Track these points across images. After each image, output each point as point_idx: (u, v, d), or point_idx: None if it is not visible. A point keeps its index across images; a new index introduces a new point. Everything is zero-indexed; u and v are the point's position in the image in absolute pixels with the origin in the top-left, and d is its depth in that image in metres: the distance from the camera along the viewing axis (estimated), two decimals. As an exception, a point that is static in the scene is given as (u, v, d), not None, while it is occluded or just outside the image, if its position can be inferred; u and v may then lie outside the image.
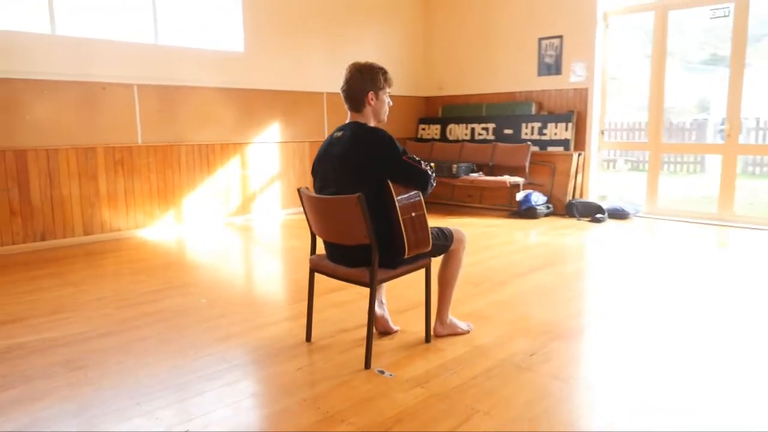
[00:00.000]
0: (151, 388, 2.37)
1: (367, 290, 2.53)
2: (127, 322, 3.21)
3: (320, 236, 2.72)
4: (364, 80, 2.61)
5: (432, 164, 2.69)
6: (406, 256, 2.52)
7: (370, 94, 2.61)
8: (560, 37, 6.99)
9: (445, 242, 2.81)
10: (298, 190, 2.72)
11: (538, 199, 6.56)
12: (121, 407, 2.21)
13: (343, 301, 3.50)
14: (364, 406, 2.21)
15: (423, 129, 8.42)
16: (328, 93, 7.29)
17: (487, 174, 7.16)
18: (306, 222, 2.76)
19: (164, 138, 5.89)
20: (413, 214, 2.46)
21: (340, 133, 2.62)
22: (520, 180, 6.77)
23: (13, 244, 5.01)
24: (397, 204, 2.42)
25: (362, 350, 2.70)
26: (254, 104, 6.57)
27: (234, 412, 2.18)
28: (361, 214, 2.43)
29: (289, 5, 6.76)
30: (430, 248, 2.57)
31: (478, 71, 7.86)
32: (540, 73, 7.23)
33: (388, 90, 2.69)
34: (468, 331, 2.95)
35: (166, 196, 5.96)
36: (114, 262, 4.69)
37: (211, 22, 6.27)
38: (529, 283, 3.92)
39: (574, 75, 6.92)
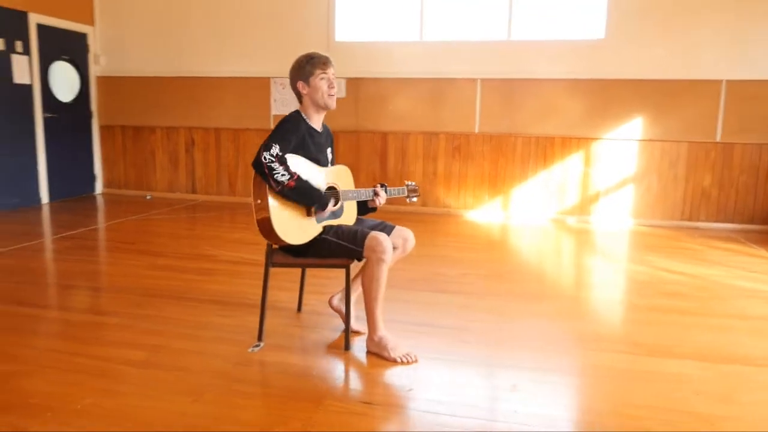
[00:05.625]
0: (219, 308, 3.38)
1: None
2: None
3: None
4: (292, 74, 2.65)
5: (278, 165, 2.39)
6: (275, 246, 2.52)
7: (300, 84, 2.63)
8: None
9: (352, 246, 2.53)
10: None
11: None
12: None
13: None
14: (200, 360, 2.57)
15: None
16: (728, 81, 5.64)
17: None
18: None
19: (501, 128, 6.21)
20: (258, 201, 2.44)
21: None
22: None
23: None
24: (252, 189, 2.48)
25: (308, 330, 2.84)
26: (610, 96, 5.90)
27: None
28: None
29: (678, -25, 5.59)
30: (281, 243, 2.45)
31: None
32: None
33: (320, 74, 2.59)
34: (396, 361, 2.51)
35: (496, 183, 6.31)
36: (425, 233, 5.57)
37: (569, 10, 5.99)
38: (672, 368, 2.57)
39: None
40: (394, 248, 2.81)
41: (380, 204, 2.82)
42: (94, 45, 7.01)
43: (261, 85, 6.68)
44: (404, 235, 2.84)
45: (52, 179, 6.55)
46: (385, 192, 2.83)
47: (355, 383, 2.35)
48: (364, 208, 2.86)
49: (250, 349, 2.63)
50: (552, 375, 2.45)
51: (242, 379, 2.35)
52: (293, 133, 2.55)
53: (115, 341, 2.72)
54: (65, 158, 6.74)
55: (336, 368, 2.49)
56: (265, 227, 2.45)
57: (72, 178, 6.89)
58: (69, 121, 6.79)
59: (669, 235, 5.51)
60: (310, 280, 3.31)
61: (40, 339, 2.72)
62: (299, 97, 2.67)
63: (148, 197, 7.05)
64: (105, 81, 7.14)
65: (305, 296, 3.22)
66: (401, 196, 2.99)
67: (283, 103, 6.66)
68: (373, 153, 6.56)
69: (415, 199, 3.09)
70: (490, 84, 6.18)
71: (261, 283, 3.39)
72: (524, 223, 6.01)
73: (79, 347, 2.63)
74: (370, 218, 2.90)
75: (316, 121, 2.70)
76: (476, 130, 6.28)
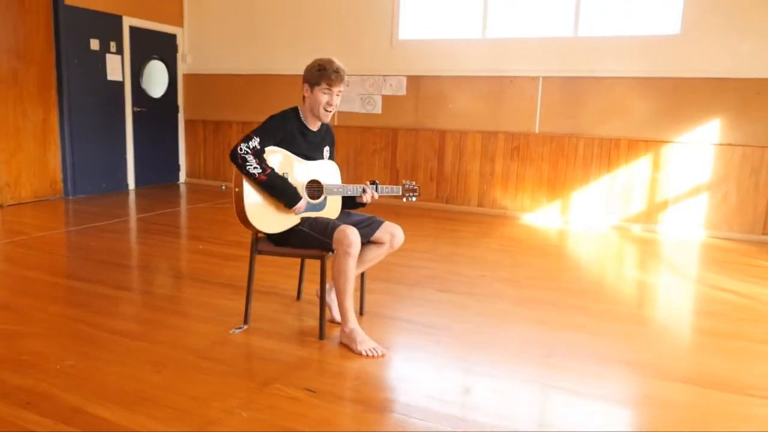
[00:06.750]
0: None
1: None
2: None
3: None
4: (304, 73, 2.73)
5: (251, 158, 2.52)
6: (260, 235, 2.65)
7: (305, 87, 2.72)
8: None
9: (322, 238, 2.58)
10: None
11: None
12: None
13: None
14: (174, 337, 2.77)
15: None
16: (826, 79, 4.99)
17: None
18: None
19: (562, 129, 5.94)
20: (237, 189, 2.55)
21: None
22: None
23: (428, 201, 6.62)
24: (233, 178, 2.61)
25: (295, 317, 2.97)
26: (684, 96, 5.43)
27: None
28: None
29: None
30: (255, 229, 2.56)
31: None
32: None
33: (325, 86, 2.64)
34: (362, 354, 2.54)
35: (555, 186, 6.04)
36: (472, 234, 5.53)
37: (641, 4, 5.58)
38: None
39: None
40: (381, 243, 2.84)
41: (368, 201, 2.83)
42: (182, 45, 7.61)
43: (326, 83, 6.89)
44: (392, 231, 2.84)
45: (139, 167, 7.20)
46: (376, 189, 2.85)
47: (310, 371, 2.40)
48: (353, 203, 2.89)
49: (232, 331, 2.78)
50: (511, 383, 2.36)
51: (210, 357, 2.49)
52: (278, 129, 2.65)
53: (119, 313, 2.98)
54: (152, 149, 7.38)
55: (300, 355, 2.56)
56: (241, 215, 2.58)
57: (158, 167, 7.53)
58: (157, 115, 7.42)
59: (742, 251, 4.98)
60: (315, 269, 3.40)
61: (58, 306, 3.05)
62: (303, 96, 2.76)
63: (223, 188, 7.52)
64: (190, 78, 7.72)
65: (309, 285, 3.32)
66: (396, 194, 2.98)
67: (346, 99, 6.82)
68: (431, 151, 6.54)
69: (414, 199, 3.03)
70: (552, 82, 5.92)
71: (277, 271, 3.54)
72: (583, 229, 5.71)
73: (86, 315, 2.92)
74: (360, 212, 2.93)
75: (312, 122, 2.78)
76: (536, 131, 6.05)
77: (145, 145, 7.26)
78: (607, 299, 3.53)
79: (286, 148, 2.67)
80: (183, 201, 6.73)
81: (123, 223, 5.27)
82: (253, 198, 2.57)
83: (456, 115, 6.38)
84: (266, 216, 2.60)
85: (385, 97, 6.66)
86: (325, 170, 2.82)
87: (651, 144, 5.62)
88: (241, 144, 2.54)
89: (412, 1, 6.49)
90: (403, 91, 6.57)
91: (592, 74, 5.75)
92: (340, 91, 2.69)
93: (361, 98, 6.77)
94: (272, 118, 2.69)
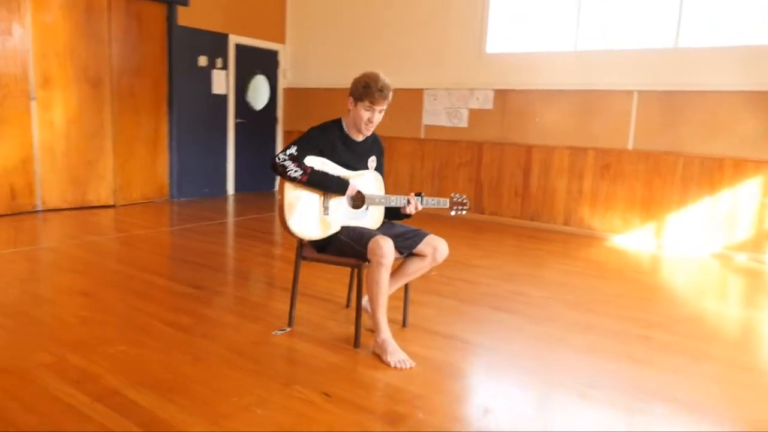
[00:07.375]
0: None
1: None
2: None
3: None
4: (351, 86, 2.80)
5: (290, 163, 2.64)
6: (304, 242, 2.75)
7: (349, 99, 2.79)
8: None
9: (357, 247, 2.61)
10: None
11: None
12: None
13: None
14: (222, 333, 2.94)
15: None
16: None
17: None
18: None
19: (659, 146, 5.52)
20: (279, 197, 2.65)
21: None
22: None
23: (512, 217, 6.44)
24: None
25: (339, 324, 3.05)
26: (803, 111, 4.85)
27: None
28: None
29: None
30: (294, 235, 2.63)
31: None
32: None
33: (368, 104, 2.68)
34: (390, 365, 2.53)
35: (650, 208, 5.62)
36: (552, 253, 5.38)
37: (751, 12, 5.06)
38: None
39: None
40: (424, 256, 2.82)
41: (412, 212, 2.82)
42: (283, 61, 8.05)
43: (414, 96, 6.96)
44: (434, 245, 2.81)
45: (239, 175, 7.70)
46: (421, 202, 2.83)
47: (336, 377, 2.43)
48: (398, 214, 2.89)
49: (274, 332, 2.89)
50: (538, 411, 2.23)
51: (246, 354, 2.61)
52: (317, 138, 2.75)
53: (181, 307, 3.20)
54: (251, 158, 7.85)
55: (332, 361, 2.59)
56: (282, 221, 2.69)
57: (256, 175, 7.99)
58: (258, 126, 7.90)
59: None
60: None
61: (131, 297, 3.34)
62: (348, 108, 2.83)
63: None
64: (290, 92, 8.14)
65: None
66: (442, 207, 2.93)
67: (433, 113, 6.85)
68: (516, 166, 6.36)
69: (463, 212, 2.96)
70: (648, 96, 5.54)
71: (334, 277, 3.65)
72: (679, 254, 5.26)
73: (152, 308, 3.17)
74: (405, 224, 2.92)
75: (356, 132, 2.84)
76: (630, 147, 5.68)
77: (245, 154, 7.75)
78: (679, 332, 3.22)
79: (328, 158, 2.74)
80: (273, 208, 7.08)
81: (214, 226, 5.65)
82: (291, 205, 2.68)
83: (543, 129, 6.16)
84: (304, 222, 2.69)
85: (471, 111, 6.59)
86: (368, 180, 2.86)
87: (761, 165, 5.07)
88: (279, 154, 2.67)
89: (501, 14, 6.39)
90: (489, 105, 6.47)
91: (694, 88, 5.31)
92: (382, 109, 2.73)
93: (448, 111, 6.75)
94: (312, 129, 2.79)
